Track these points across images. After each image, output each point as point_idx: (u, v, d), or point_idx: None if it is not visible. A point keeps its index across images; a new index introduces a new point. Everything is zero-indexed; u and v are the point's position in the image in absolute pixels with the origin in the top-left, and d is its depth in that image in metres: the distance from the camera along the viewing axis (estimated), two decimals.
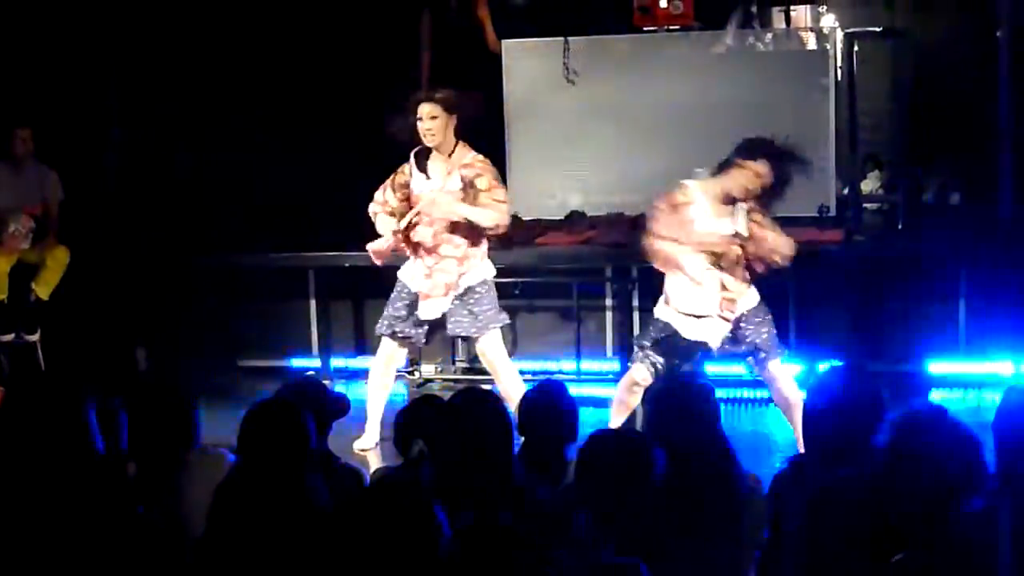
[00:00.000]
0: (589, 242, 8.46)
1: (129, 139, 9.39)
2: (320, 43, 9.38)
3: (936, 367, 8.12)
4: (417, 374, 8.86)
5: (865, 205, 9.15)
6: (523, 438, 4.51)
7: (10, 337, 8.57)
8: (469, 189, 6.84)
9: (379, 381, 7.18)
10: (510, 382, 6.97)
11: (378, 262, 7.07)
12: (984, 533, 3.28)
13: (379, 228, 7.01)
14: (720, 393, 4.42)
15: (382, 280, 7.46)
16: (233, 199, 9.15)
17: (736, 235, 6.41)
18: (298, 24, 9.44)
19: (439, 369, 8.91)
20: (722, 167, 6.40)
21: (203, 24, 9.32)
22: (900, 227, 8.70)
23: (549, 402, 4.69)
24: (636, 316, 8.45)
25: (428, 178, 6.92)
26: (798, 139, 8.56)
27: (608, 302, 8.90)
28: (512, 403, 5.71)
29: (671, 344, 6.48)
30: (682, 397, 4.19)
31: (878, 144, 9.46)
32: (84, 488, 3.64)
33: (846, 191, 8.92)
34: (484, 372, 7.33)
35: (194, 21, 9.32)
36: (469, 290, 6.93)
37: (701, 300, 6.39)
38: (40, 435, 3.70)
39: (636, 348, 6.63)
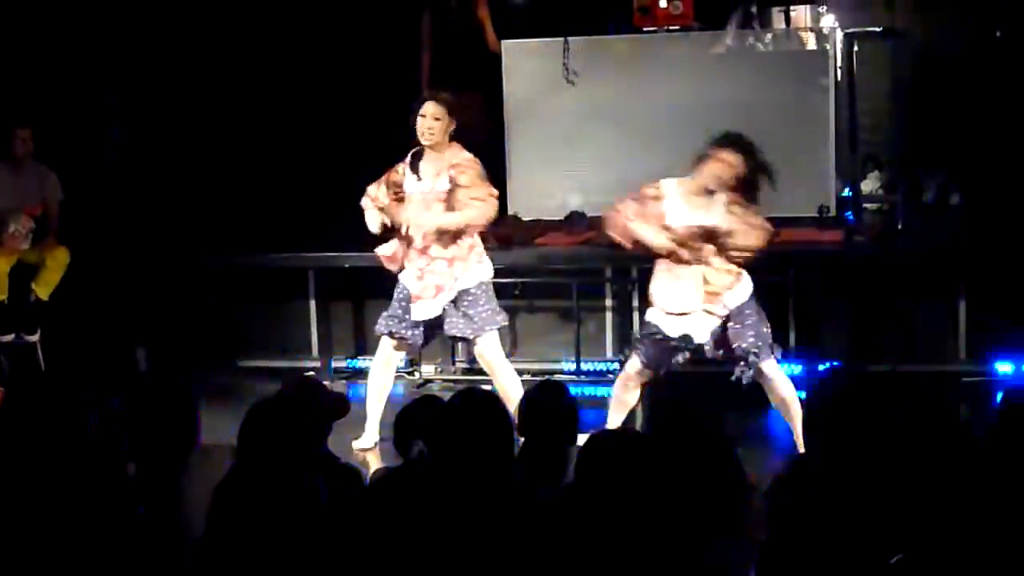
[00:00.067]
0: (589, 242, 8.46)
1: (129, 139, 9.38)
2: (320, 43, 9.38)
3: (936, 368, 8.12)
4: (417, 375, 8.86)
5: (865, 205, 9.15)
6: (523, 439, 4.51)
7: (10, 337, 8.57)
8: (455, 189, 6.88)
9: (378, 381, 7.19)
10: (508, 383, 6.97)
11: (392, 268, 7.07)
12: (983, 534, 3.28)
13: (367, 222, 7.07)
14: (720, 394, 4.44)
15: (382, 280, 7.46)
16: (233, 199, 9.15)
17: (712, 228, 6.42)
18: (298, 24, 9.45)
19: (439, 370, 8.91)
20: (697, 161, 6.48)
21: (203, 24, 9.32)
22: (900, 227, 8.70)
23: (549, 402, 4.69)
24: (636, 316, 8.45)
25: (419, 179, 6.96)
26: (798, 139, 8.69)
27: (608, 302, 8.91)
28: (511, 404, 5.71)
29: (659, 344, 6.52)
30: (682, 397, 4.20)
31: (878, 144, 9.45)
32: (84, 488, 3.64)
33: (846, 191, 8.92)
34: (484, 373, 7.33)
35: (194, 21, 9.32)
36: (464, 292, 6.93)
37: (683, 297, 6.45)
38: (40, 435, 3.70)
39: (632, 345, 6.70)
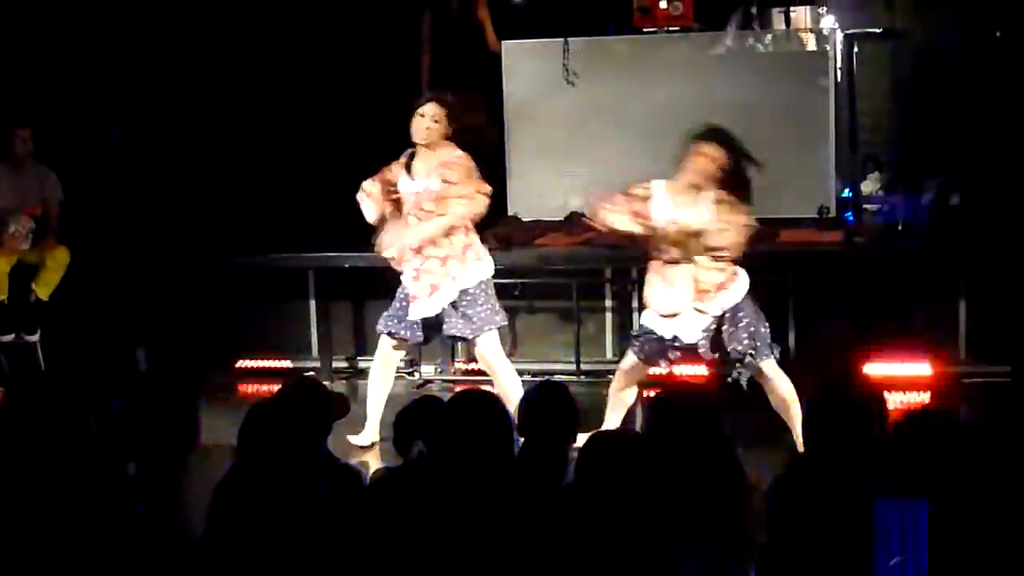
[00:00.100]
0: (589, 243, 8.46)
1: (129, 139, 9.38)
2: (321, 43, 9.38)
3: (936, 368, 8.12)
4: (417, 375, 8.86)
5: (865, 206, 9.15)
6: (523, 439, 4.51)
7: (10, 338, 8.57)
8: (445, 187, 6.91)
9: (378, 380, 7.21)
10: (508, 383, 6.98)
11: (399, 268, 7.08)
12: (983, 535, 3.28)
13: (364, 213, 7.08)
14: (721, 394, 4.44)
15: (382, 281, 7.47)
16: (233, 199, 9.15)
17: (689, 226, 6.42)
18: (299, 24, 9.45)
19: (438, 370, 8.91)
20: (680, 159, 6.51)
21: (203, 24, 9.32)
22: (900, 228, 8.70)
23: (549, 403, 4.69)
24: (635, 317, 8.45)
25: (413, 179, 6.99)
26: (798, 140, 8.69)
27: (608, 303, 8.91)
28: (511, 404, 5.71)
29: (653, 342, 6.54)
30: (683, 398, 4.20)
31: (878, 145, 9.46)
32: (84, 489, 3.64)
33: (846, 192, 8.92)
34: (484, 373, 7.33)
35: (194, 21, 9.32)
36: (463, 292, 6.94)
37: (673, 298, 6.46)
38: (40, 436, 3.70)
39: (628, 342, 6.78)
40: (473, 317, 6.95)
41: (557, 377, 8.11)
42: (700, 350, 6.52)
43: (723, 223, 6.41)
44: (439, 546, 3.11)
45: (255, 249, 8.80)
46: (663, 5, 8.77)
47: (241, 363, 9.10)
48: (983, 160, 8.74)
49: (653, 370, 6.78)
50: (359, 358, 8.95)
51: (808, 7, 9.12)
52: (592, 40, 9.12)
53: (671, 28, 8.95)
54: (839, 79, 8.82)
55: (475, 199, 6.92)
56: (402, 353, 7.39)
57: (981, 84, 8.79)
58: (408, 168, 7.00)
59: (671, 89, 8.94)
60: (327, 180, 8.78)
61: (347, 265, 8.45)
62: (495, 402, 4.17)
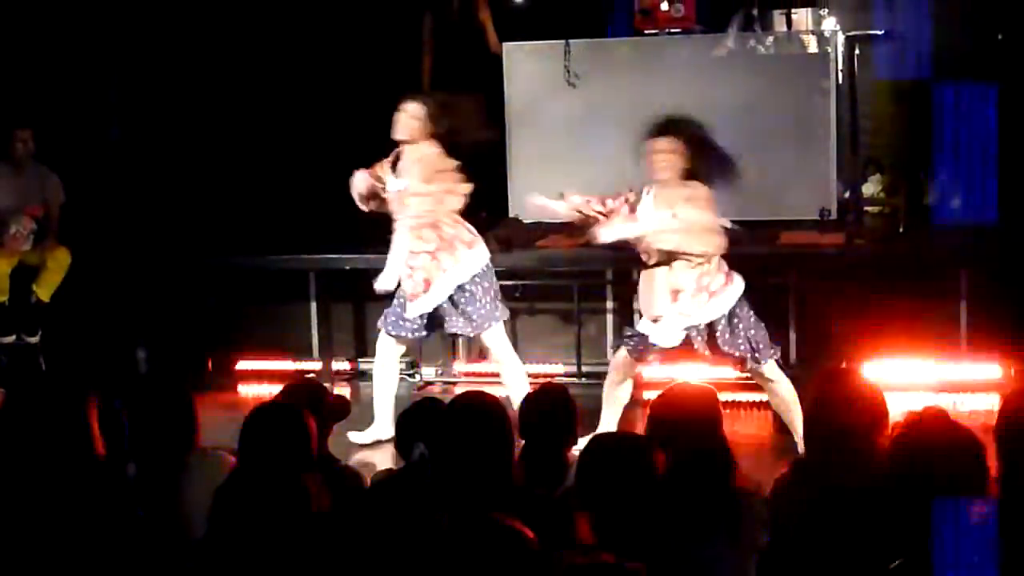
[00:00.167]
0: (590, 245, 8.44)
1: (129, 139, 9.38)
2: (322, 44, 9.37)
3: (937, 370, 8.11)
4: (418, 377, 8.86)
5: (866, 208, 9.14)
6: (523, 441, 4.51)
7: (11, 339, 8.57)
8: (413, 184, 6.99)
9: (382, 379, 7.27)
10: (513, 377, 7.03)
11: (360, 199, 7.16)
12: (984, 537, 3.27)
13: (355, 186, 7.20)
14: (721, 395, 4.43)
15: None
16: (234, 200, 9.14)
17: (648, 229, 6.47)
18: (299, 26, 9.44)
19: (439, 372, 8.90)
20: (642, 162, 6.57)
21: (204, 24, 9.31)
22: (901, 230, 8.69)
23: (549, 405, 4.69)
24: (637, 319, 8.44)
25: (396, 177, 7.06)
26: (799, 142, 8.68)
27: (609, 304, 8.90)
28: (516, 397, 5.77)
29: (641, 344, 6.57)
30: (683, 400, 4.19)
31: (879, 147, 9.45)
32: (84, 490, 3.63)
33: (847, 194, 8.91)
34: (484, 375, 7.34)
35: (195, 21, 9.32)
36: (460, 289, 6.96)
37: (652, 301, 6.49)
38: (40, 437, 3.70)
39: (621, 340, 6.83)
40: (473, 315, 6.99)
41: (558, 379, 8.11)
42: (695, 345, 6.52)
43: (683, 225, 6.38)
44: (439, 548, 3.11)
45: (256, 250, 8.80)
46: (664, 7, 8.77)
47: (241, 364, 9.10)
48: (983, 162, 8.72)
49: (647, 368, 6.81)
50: (360, 360, 8.94)
51: (809, 9, 9.12)
52: (593, 42, 9.12)
53: (672, 30, 8.95)
54: (840, 81, 8.82)
55: (432, 197, 6.94)
56: (403, 351, 7.42)
57: (981, 86, 8.77)
58: (394, 166, 7.06)
59: (672, 91, 8.91)
60: (328, 181, 8.76)
61: (348, 267, 8.45)
62: (496, 404, 4.17)
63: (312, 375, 8.26)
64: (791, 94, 8.77)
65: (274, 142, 9.35)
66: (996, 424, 3.81)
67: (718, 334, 6.44)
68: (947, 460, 3.34)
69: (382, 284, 7.11)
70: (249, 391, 8.70)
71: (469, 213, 7.26)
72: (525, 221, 8.79)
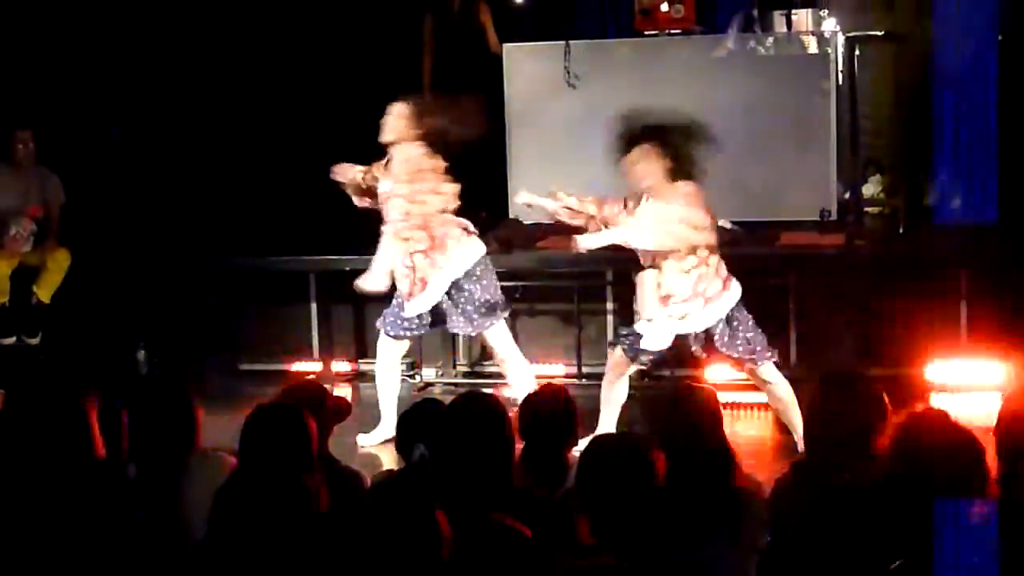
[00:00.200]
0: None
1: (129, 139, 9.39)
2: (322, 46, 9.38)
3: (937, 371, 8.11)
4: (418, 378, 8.85)
5: (866, 209, 9.14)
6: (523, 442, 4.51)
7: (11, 340, 8.57)
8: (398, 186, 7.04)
9: (385, 379, 7.28)
10: (518, 375, 7.05)
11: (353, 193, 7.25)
12: (985, 538, 3.27)
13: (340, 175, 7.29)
14: (722, 396, 4.44)
15: None
16: (235, 201, 9.15)
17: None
18: (300, 27, 9.44)
19: (440, 373, 8.90)
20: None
21: (204, 25, 9.32)
22: (901, 231, 8.69)
23: (549, 406, 4.69)
24: (636, 319, 8.43)
25: (386, 179, 7.10)
26: (799, 143, 8.68)
27: (609, 306, 8.89)
28: (520, 393, 5.78)
29: (635, 344, 6.58)
30: (684, 401, 4.19)
31: (879, 148, 9.45)
32: (85, 491, 3.63)
33: (848, 195, 8.91)
34: (485, 375, 7.35)
35: (195, 22, 9.32)
36: (456, 286, 6.97)
37: (645, 304, 6.50)
38: (41, 438, 3.70)
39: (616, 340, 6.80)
40: (473, 314, 7.02)
41: (558, 380, 8.10)
42: (692, 348, 6.51)
43: (641, 227, 6.37)
44: (439, 549, 3.11)
45: (256, 251, 8.80)
46: (664, 8, 8.77)
47: (242, 365, 9.10)
48: (984, 163, 8.72)
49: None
50: (360, 361, 8.94)
51: (809, 10, 9.12)
52: (593, 43, 9.12)
53: (672, 31, 8.95)
54: (840, 82, 8.82)
55: (426, 201, 6.95)
56: (404, 351, 7.42)
57: (981, 88, 8.78)
58: (387, 167, 7.12)
59: (673, 92, 8.90)
60: (328, 183, 8.77)
61: (348, 268, 8.43)
62: (496, 405, 4.17)
63: (312, 376, 8.25)
64: (791, 95, 8.77)
65: (275, 143, 9.36)
66: (996, 424, 3.81)
67: (716, 337, 6.43)
68: (947, 460, 3.34)
69: (365, 284, 7.14)
70: (249, 392, 8.69)
71: (469, 213, 7.26)
72: (525, 222, 8.80)
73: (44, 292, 8.63)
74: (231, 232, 8.94)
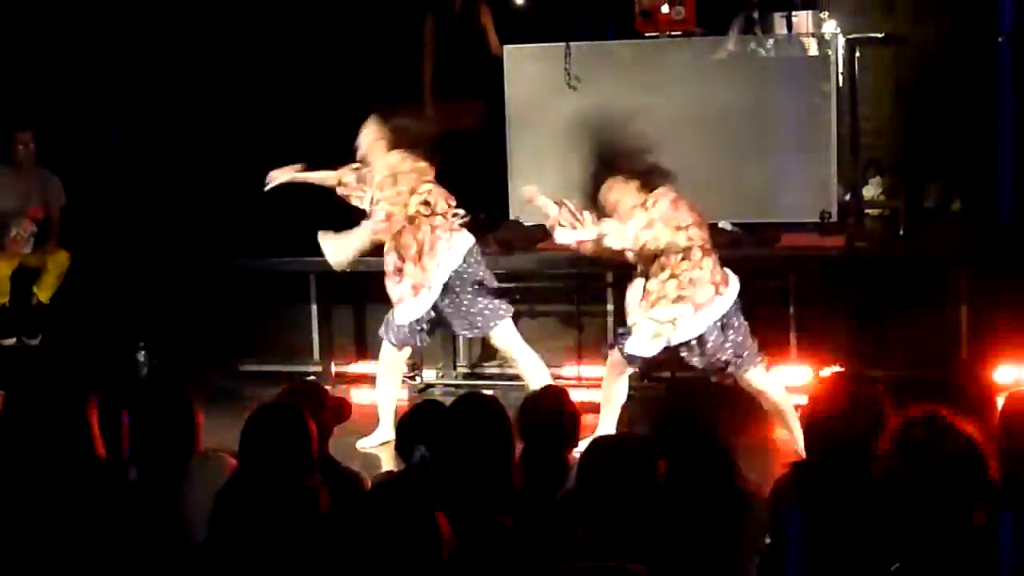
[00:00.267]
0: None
1: (129, 139, 9.39)
2: (323, 47, 9.38)
3: (938, 373, 8.11)
4: (419, 379, 8.85)
5: (867, 211, 9.15)
6: (523, 443, 4.51)
7: (11, 341, 8.57)
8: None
9: (384, 383, 7.26)
10: (529, 369, 7.05)
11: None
12: (986, 541, 3.27)
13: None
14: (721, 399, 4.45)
15: (383, 285, 7.46)
16: (235, 202, 9.15)
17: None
18: (300, 28, 9.45)
19: (440, 374, 8.90)
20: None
21: (205, 26, 9.33)
22: (902, 233, 8.70)
23: (549, 407, 4.69)
24: None
25: (370, 187, 7.16)
26: (800, 145, 8.68)
27: (609, 307, 8.88)
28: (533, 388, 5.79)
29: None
30: (683, 403, 4.20)
31: (880, 150, 9.46)
32: (85, 493, 3.63)
33: (848, 197, 8.91)
34: (486, 377, 7.35)
35: (195, 22, 9.33)
36: (455, 292, 6.96)
37: (629, 310, 6.55)
38: (41, 440, 3.70)
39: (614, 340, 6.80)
40: (476, 316, 7.04)
41: (558, 382, 8.10)
42: (682, 353, 6.49)
43: (622, 226, 6.38)
44: (440, 550, 3.11)
45: (256, 252, 8.80)
46: (665, 9, 8.77)
47: (242, 367, 9.10)
48: (984, 165, 8.74)
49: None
50: (360, 362, 8.94)
51: (810, 12, 9.13)
52: (594, 44, 9.12)
53: (673, 32, 8.95)
54: (841, 84, 8.83)
55: (406, 204, 6.98)
56: (407, 356, 7.41)
57: (982, 89, 8.79)
58: (368, 179, 7.19)
59: (673, 94, 8.94)
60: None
61: (348, 270, 8.44)
62: (496, 407, 4.17)
63: (312, 377, 8.25)
64: (791, 97, 8.77)
65: (275, 143, 9.34)
66: (997, 424, 3.81)
67: (709, 344, 6.38)
68: (947, 461, 3.34)
69: (329, 254, 7.23)
70: (249, 393, 8.68)
71: (469, 214, 7.25)
72: (525, 223, 8.80)
73: (44, 293, 8.63)
74: (231, 233, 8.93)
